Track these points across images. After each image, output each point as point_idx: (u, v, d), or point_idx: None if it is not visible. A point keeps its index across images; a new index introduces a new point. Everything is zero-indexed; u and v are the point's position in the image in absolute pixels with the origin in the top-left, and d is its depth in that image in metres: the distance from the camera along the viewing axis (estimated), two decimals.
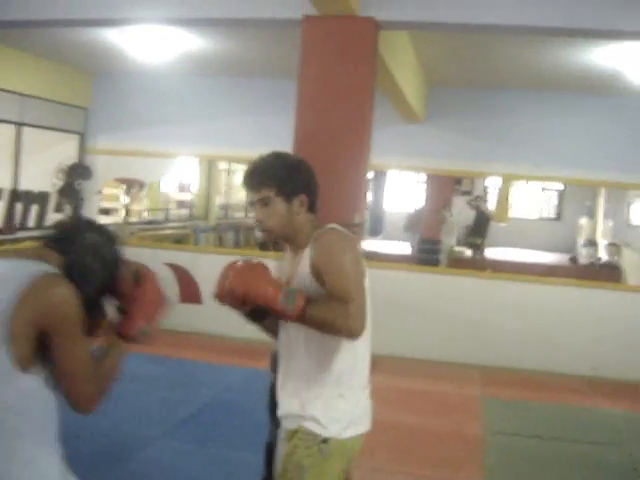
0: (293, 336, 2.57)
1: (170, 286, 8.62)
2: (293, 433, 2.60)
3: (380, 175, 16.66)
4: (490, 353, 7.93)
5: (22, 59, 8.03)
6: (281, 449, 2.68)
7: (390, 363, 7.84)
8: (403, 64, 5.97)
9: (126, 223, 10.78)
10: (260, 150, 7.75)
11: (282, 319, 2.41)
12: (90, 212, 9.31)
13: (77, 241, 2.09)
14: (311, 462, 2.55)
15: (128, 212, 11.18)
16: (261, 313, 2.45)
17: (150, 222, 11.88)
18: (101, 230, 2.16)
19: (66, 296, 1.92)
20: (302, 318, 2.34)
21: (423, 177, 14.47)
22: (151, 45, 6.88)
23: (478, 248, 14.51)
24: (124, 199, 10.98)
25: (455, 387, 7.22)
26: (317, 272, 2.43)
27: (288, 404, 2.63)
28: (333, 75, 3.88)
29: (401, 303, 8.11)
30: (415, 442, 5.62)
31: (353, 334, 2.39)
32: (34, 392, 1.93)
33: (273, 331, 2.68)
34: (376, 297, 7.32)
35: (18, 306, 1.86)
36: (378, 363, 7.91)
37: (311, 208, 2.54)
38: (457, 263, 12.44)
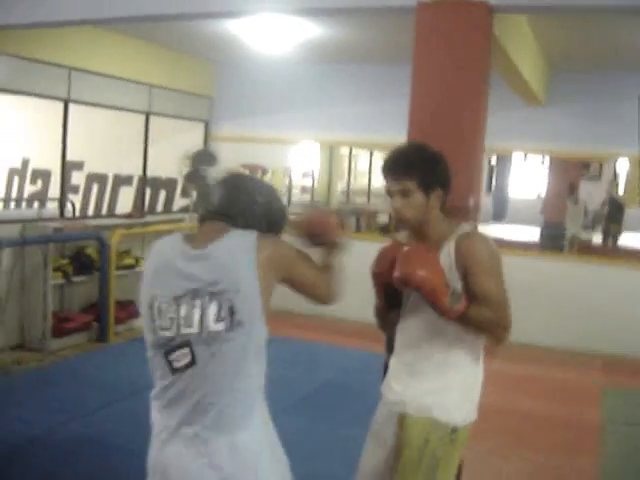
0: (416, 326, 2.63)
1: None
2: (413, 419, 2.62)
3: (504, 160, 16.42)
4: (615, 341, 7.77)
5: (149, 50, 8.39)
6: (387, 431, 2.73)
7: (512, 350, 7.79)
8: (522, 47, 5.90)
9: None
10: (378, 135, 7.94)
11: (441, 314, 2.44)
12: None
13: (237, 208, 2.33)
14: (443, 452, 2.59)
15: None
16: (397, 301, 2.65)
17: None
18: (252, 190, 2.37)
19: (273, 244, 2.27)
20: (461, 318, 2.43)
21: (547, 162, 14.12)
22: (271, 34, 7.06)
23: (614, 235, 14.19)
24: None
25: (576, 374, 7.13)
26: (464, 271, 2.48)
27: (408, 389, 2.66)
28: (447, 60, 3.89)
29: (524, 289, 8.03)
30: (531, 427, 5.61)
31: (501, 341, 2.53)
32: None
33: (391, 321, 2.76)
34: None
35: (260, 267, 2.19)
36: (503, 349, 7.91)
37: (444, 203, 2.59)
38: (585, 250, 12.12)
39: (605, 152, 8.61)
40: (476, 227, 2.62)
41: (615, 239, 14.31)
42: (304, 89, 9.10)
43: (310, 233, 2.47)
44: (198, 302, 2.15)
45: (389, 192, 2.57)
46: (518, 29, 5.57)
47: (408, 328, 2.65)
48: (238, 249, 2.20)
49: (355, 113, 8.79)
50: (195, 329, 2.16)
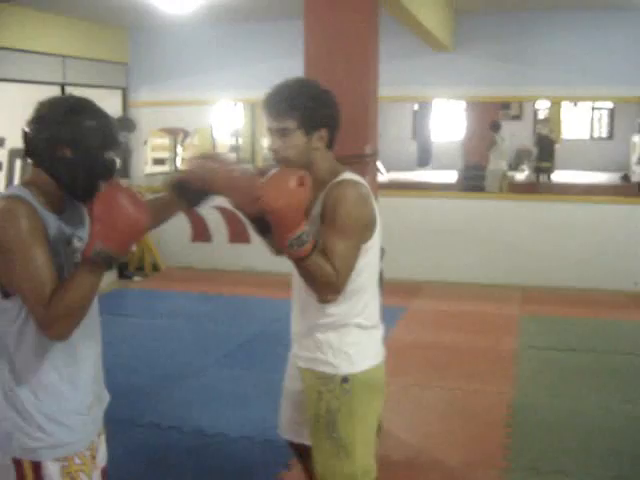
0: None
1: (219, 227, 9.06)
2: (308, 373, 2.60)
3: (425, 106, 16.69)
4: (532, 274, 8.16)
5: (61, 22, 8.35)
6: (294, 385, 2.73)
7: (434, 288, 8.17)
8: None
9: (175, 171, 11.15)
10: None
11: (281, 249, 2.35)
12: (140, 162, 9.73)
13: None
14: (338, 404, 2.53)
15: (175, 160, 11.53)
16: (266, 227, 2.41)
17: None
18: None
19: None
20: (298, 263, 2.32)
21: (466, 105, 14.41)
22: None
23: (546, 172, 14.65)
24: (174, 148, 11.34)
25: (495, 307, 7.50)
26: (322, 220, 2.40)
27: (301, 345, 2.64)
28: (335, 17, 4.07)
29: (446, 230, 8.37)
30: (451, 359, 5.95)
31: (323, 300, 2.42)
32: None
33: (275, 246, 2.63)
34: (420, 225, 7.73)
35: None
36: (423, 288, 8.31)
37: (329, 144, 2.47)
38: (513, 188, 12.51)
39: (523, 94, 8.76)
40: (361, 178, 2.52)
41: (548, 176, 14.82)
42: (218, 50, 9.14)
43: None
44: None
45: (269, 131, 2.43)
46: None
47: (295, 274, 2.53)
48: None
49: (270, 69, 8.85)
50: None
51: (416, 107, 17.67)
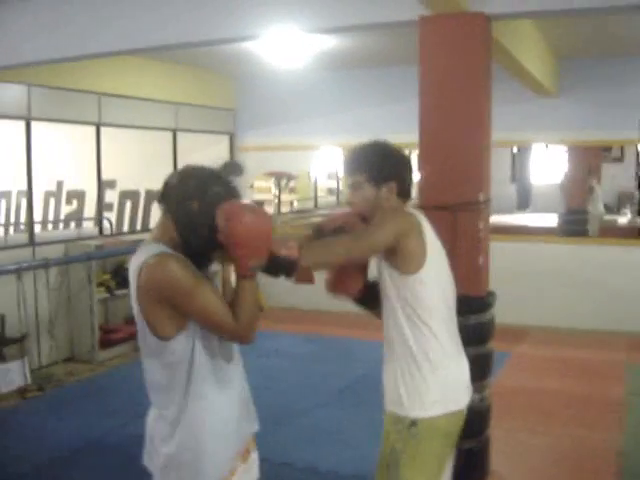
0: (385, 318, 2.72)
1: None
2: (385, 414, 2.76)
3: (524, 150, 16.59)
4: (638, 320, 7.98)
5: (173, 71, 8.81)
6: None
7: (538, 333, 8.10)
8: (526, 43, 6.17)
9: (277, 213, 11.42)
10: (397, 135, 8.26)
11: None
12: None
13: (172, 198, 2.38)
14: (402, 446, 2.63)
15: (279, 203, 11.82)
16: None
17: (300, 211, 12.49)
18: (190, 178, 2.37)
19: (155, 273, 2.29)
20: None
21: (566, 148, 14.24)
22: (287, 50, 7.42)
23: None
24: (275, 191, 11.63)
25: (600, 354, 7.38)
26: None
27: (384, 385, 2.78)
28: (450, 66, 4.18)
29: (549, 274, 8.33)
30: (556, 405, 5.89)
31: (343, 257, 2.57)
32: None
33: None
34: (523, 269, 7.70)
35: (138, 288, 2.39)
36: (527, 333, 8.23)
37: (401, 194, 2.70)
38: (609, 232, 12.26)
39: (625, 137, 8.69)
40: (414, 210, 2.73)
41: None
42: (322, 96, 9.43)
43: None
44: None
45: (347, 186, 2.79)
46: (521, 28, 5.85)
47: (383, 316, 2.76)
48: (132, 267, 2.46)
49: (373, 115, 9.08)
50: None
51: (515, 150, 17.56)
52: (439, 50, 4.24)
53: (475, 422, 4.08)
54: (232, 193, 2.38)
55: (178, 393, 2.34)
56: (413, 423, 2.61)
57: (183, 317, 2.29)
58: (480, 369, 4.11)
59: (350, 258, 2.58)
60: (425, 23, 4.20)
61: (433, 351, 2.62)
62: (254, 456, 2.67)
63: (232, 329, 2.30)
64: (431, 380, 2.62)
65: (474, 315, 4.09)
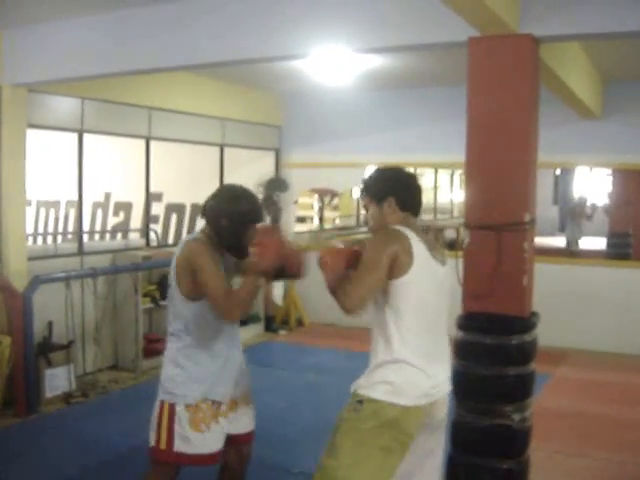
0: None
1: None
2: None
3: (567, 172, 16.51)
4: None
5: (221, 87, 8.96)
6: None
7: (579, 355, 8.05)
8: (573, 66, 6.19)
9: (320, 229, 11.51)
10: (441, 154, 8.24)
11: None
12: (287, 220, 10.11)
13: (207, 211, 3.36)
14: (346, 415, 2.96)
15: (322, 219, 11.92)
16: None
17: (342, 228, 12.56)
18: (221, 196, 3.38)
19: (189, 251, 3.24)
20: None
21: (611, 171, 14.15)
22: (334, 68, 7.52)
23: None
24: (317, 207, 11.72)
25: None
26: None
27: None
28: (498, 87, 4.22)
29: (591, 297, 8.28)
30: (597, 428, 5.85)
31: (344, 310, 2.90)
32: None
33: None
34: (565, 292, 7.64)
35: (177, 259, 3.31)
36: (568, 355, 8.15)
37: (404, 207, 3.07)
38: None
39: None
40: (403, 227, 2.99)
41: None
42: (367, 115, 9.52)
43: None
44: None
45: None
46: (568, 50, 5.87)
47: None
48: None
49: (418, 134, 9.14)
50: None
51: (558, 172, 17.47)
52: (487, 71, 4.29)
53: (515, 442, 4.11)
54: (256, 211, 3.35)
55: (178, 341, 3.33)
56: (360, 400, 2.93)
57: (199, 291, 3.18)
58: (521, 389, 4.13)
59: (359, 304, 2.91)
60: (475, 44, 4.26)
61: (399, 349, 2.91)
62: (241, 410, 3.48)
63: (220, 303, 3.10)
64: (388, 370, 2.92)
65: (517, 335, 4.11)
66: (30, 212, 9.39)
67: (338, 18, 4.84)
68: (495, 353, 4.12)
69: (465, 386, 4.17)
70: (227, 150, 9.37)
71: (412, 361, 2.91)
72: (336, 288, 2.90)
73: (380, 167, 3.29)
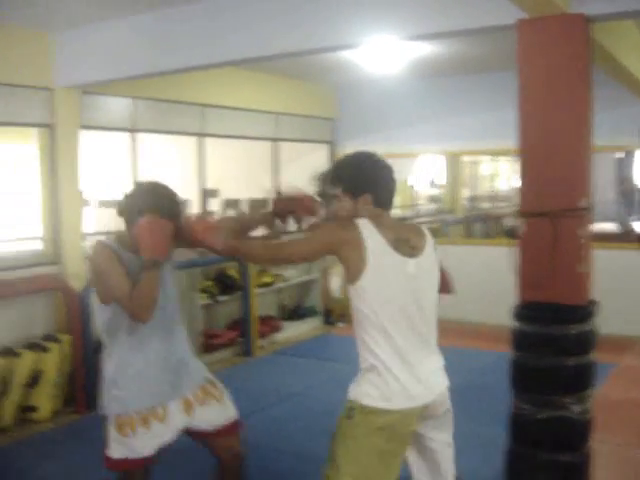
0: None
1: None
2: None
3: (630, 155, 16.06)
4: None
5: (273, 81, 8.95)
6: None
7: None
8: (628, 45, 5.98)
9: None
10: (498, 141, 8.08)
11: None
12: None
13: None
14: (339, 423, 2.90)
15: None
16: None
17: (401, 219, 12.44)
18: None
19: (92, 252, 3.16)
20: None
21: None
22: (384, 56, 7.44)
23: None
24: None
25: None
26: None
27: None
28: (549, 70, 4.10)
29: None
30: None
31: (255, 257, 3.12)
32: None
33: None
34: (629, 279, 7.40)
35: None
36: (635, 344, 7.93)
37: (378, 204, 2.89)
38: None
39: None
40: (367, 221, 2.86)
41: None
42: (420, 103, 9.40)
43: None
44: None
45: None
46: (625, 30, 5.68)
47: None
48: None
49: (472, 122, 8.99)
50: None
51: (620, 155, 17.01)
52: (538, 54, 4.16)
53: (575, 434, 4.00)
54: (171, 207, 3.14)
55: (110, 343, 3.23)
56: (352, 407, 2.86)
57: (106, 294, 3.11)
58: (581, 380, 4.01)
59: (272, 262, 3.20)
60: (523, 27, 4.14)
61: (380, 353, 2.82)
62: (199, 410, 3.36)
63: (127, 306, 3.01)
64: (374, 375, 2.83)
65: (575, 325, 3.98)
66: (91, 212, 9.53)
67: (385, 5, 4.78)
68: (553, 343, 3.99)
69: (522, 378, 4.08)
70: (281, 144, 9.37)
71: (395, 364, 2.82)
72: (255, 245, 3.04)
73: (353, 154, 3.01)
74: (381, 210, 2.90)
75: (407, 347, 2.85)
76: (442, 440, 3.07)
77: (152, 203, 3.08)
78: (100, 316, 3.21)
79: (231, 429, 3.46)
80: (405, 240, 2.89)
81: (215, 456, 3.46)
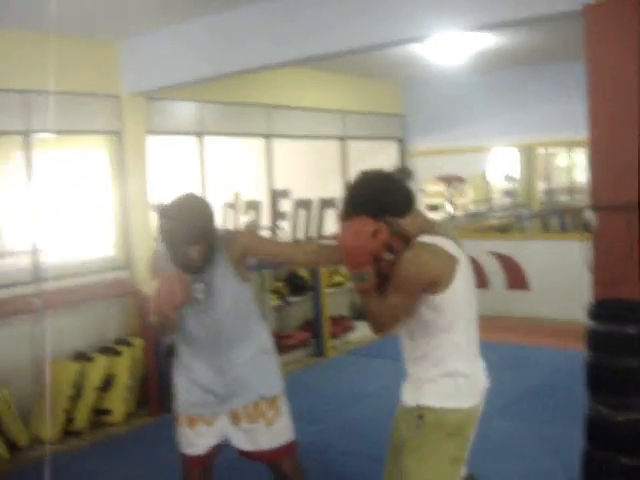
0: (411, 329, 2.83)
1: (497, 273, 8.99)
2: (398, 408, 2.91)
3: None
4: None
5: (339, 80, 8.93)
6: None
7: None
8: None
9: (451, 217, 11.25)
10: (572, 132, 7.72)
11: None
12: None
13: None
14: (408, 435, 2.80)
15: (453, 206, 11.64)
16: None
17: (475, 214, 12.23)
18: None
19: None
20: (360, 294, 2.77)
21: None
22: (450, 49, 7.30)
23: None
24: (448, 195, 11.46)
25: None
26: None
27: (404, 385, 2.91)
28: (618, 56, 3.94)
29: None
30: None
31: (374, 332, 2.82)
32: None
33: None
34: None
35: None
36: None
37: (402, 214, 2.74)
38: None
39: None
40: (434, 239, 2.75)
41: None
42: (490, 96, 9.22)
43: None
44: None
45: None
46: None
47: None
48: None
49: (542, 113, 8.77)
50: None
51: None
52: (605, 40, 3.99)
53: None
54: (178, 232, 3.06)
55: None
56: (420, 415, 2.77)
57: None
58: None
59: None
60: (590, 12, 3.97)
61: (448, 355, 2.77)
62: (246, 426, 3.29)
63: None
64: (444, 378, 2.77)
65: None
66: None
67: None
68: (632, 343, 3.81)
69: (598, 379, 3.90)
70: (349, 142, 9.30)
71: (463, 363, 2.80)
72: (365, 298, 2.77)
73: (360, 178, 2.87)
74: (413, 215, 2.80)
75: (471, 348, 2.86)
76: None
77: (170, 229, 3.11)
78: None
79: (276, 454, 3.36)
80: (454, 239, 2.85)
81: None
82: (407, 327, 2.83)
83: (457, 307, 2.77)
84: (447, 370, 2.77)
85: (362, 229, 2.68)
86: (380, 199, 2.75)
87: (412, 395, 2.83)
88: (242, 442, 3.31)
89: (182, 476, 3.40)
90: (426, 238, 2.74)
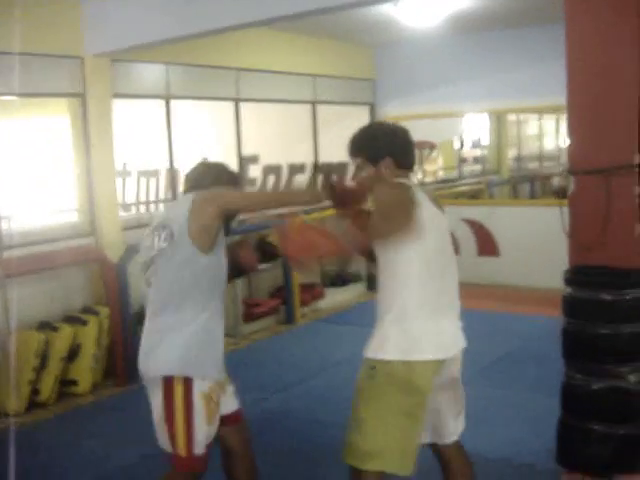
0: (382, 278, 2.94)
1: (468, 240, 8.95)
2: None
3: None
4: None
5: (310, 43, 8.76)
6: None
7: None
8: None
9: (421, 183, 11.19)
10: (543, 98, 7.69)
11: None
12: None
13: None
14: (363, 385, 2.89)
15: (423, 173, 11.57)
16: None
17: (444, 180, 12.19)
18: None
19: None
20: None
21: None
22: (422, 11, 7.17)
23: None
24: (421, 161, 11.39)
25: None
26: None
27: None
28: (599, 20, 3.85)
29: None
30: None
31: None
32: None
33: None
34: None
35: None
36: None
37: (401, 166, 2.98)
38: None
39: None
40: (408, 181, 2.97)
41: None
42: (462, 61, 9.12)
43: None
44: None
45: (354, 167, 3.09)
46: None
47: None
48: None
49: (517, 79, 8.68)
50: None
51: None
52: (586, 2, 3.89)
53: (631, 406, 3.78)
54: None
55: None
56: (372, 366, 2.85)
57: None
58: (637, 349, 3.77)
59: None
60: None
61: (407, 304, 2.84)
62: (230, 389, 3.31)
63: None
64: (397, 328, 2.84)
65: (631, 289, 3.74)
66: (132, 183, 9.49)
67: None
68: (607, 309, 3.76)
69: (575, 346, 3.85)
70: (319, 107, 9.16)
71: (421, 316, 2.86)
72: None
73: (366, 125, 3.19)
74: (405, 172, 3.01)
75: (435, 302, 2.90)
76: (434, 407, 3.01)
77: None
78: None
79: (241, 413, 3.38)
80: (436, 197, 3.04)
81: (229, 444, 3.31)
82: (380, 278, 2.94)
83: (428, 258, 2.86)
84: (406, 324, 2.84)
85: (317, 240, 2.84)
86: (391, 140, 2.98)
87: (370, 347, 2.90)
88: (230, 404, 3.29)
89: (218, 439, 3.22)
90: (404, 180, 2.95)
